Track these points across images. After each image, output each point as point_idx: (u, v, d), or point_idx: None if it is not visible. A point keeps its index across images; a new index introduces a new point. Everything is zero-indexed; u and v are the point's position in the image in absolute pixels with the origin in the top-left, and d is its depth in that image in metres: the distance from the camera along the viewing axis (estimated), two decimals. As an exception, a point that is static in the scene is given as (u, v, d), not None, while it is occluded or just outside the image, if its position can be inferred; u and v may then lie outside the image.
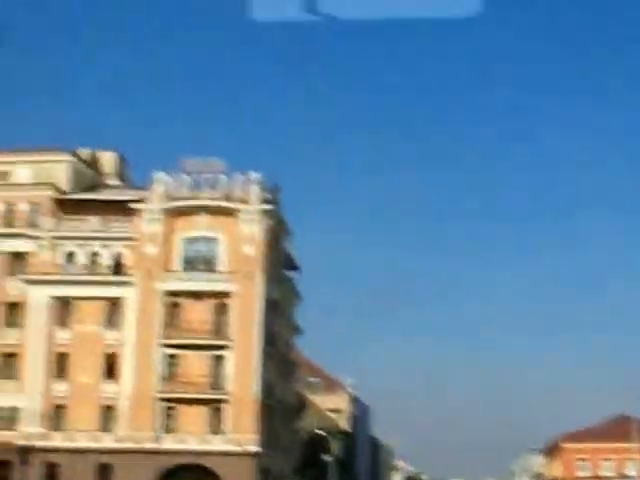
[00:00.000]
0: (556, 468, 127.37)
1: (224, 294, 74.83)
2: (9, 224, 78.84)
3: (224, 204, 75.80)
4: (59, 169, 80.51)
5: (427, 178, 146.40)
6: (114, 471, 73.14)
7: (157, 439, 73.45)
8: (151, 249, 75.87)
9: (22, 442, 73.59)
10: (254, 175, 76.45)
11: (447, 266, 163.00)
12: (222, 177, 76.46)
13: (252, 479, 72.31)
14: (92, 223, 77.56)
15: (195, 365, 74.12)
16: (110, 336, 75.56)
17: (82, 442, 73.78)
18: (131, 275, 75.87)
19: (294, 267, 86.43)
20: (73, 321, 76.23)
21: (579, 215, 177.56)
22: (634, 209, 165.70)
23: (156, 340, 74.39)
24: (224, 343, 74.01)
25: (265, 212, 75.79)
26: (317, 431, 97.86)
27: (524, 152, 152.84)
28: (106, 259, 77.04)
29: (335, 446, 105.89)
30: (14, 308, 77.14)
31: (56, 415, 74.90)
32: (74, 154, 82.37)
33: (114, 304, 75.96)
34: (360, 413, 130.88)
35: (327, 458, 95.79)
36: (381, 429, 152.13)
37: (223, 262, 75.81)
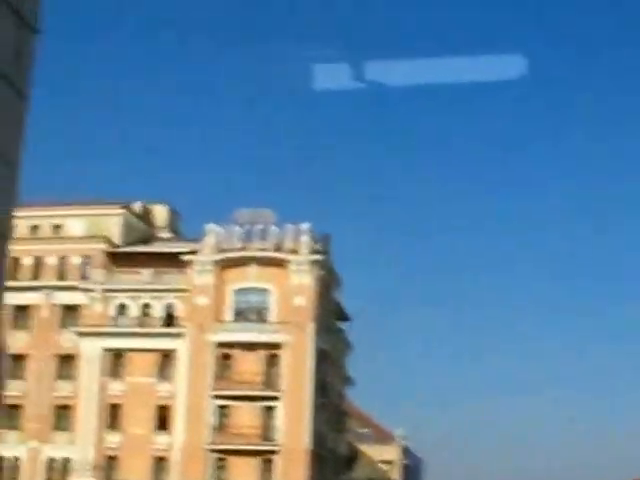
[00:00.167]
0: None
1: (275, 345, 74.96)
2: (62, 277, 79.73)
3: (274, 255, 76.19)
4: (111, 222, 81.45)
5: (476, 240, 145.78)
6: (166, 523, 73.09)
7: (209, 491, 73.42)
8: (202, 300, 76.31)
9: (75, 494, 73.87)
10: (304, 225, 76.83)
11: (498, 318, 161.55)
12: (273, 228, 76.93)
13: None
14: (144, 275, 78.27)
15: (246, 416, 74.14)
16: (162, 388, 75.91)
17: (134, 494, 73.93)
18: (183, 327, 76.32)
19: (345, 317, 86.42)
20: (125, 373, 76.70)
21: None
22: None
23: (207, 391, 74.58)
24: (275, 394, 74.02)
25: (315, 262, 76.02)
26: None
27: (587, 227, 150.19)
28: (158, 311, 77.61)
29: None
30: (67, 360, 77.81)
31: (108, 466, 75.17)
32: (126, 207, 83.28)
33: (166, 356, 76.39)
34: (412, 465, 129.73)
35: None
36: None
37: (274, 313, 76.05)
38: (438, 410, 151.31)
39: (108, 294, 77.80)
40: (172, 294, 77.61)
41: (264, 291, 76.60)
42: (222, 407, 74.73)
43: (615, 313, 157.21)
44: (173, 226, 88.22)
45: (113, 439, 75.57)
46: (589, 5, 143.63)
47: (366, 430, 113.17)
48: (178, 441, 74.53)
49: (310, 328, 75.00)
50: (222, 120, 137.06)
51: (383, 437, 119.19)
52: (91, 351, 76.58)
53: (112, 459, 75.29)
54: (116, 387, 76.39)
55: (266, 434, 73.76)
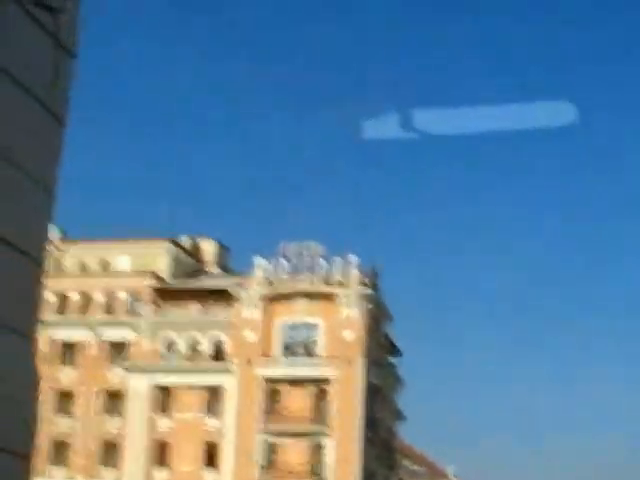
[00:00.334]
0: None
1: (324, 380, 73.88)
2: (110, 312, 79.43)
3: (323, 289, 75.28)
4: (159, 257, 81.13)
5: (529, 289, 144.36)
6: None
7: (258, 529, 72.30)
8: (250, 335, 75.53)
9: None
10: (353, 258, 75.93)
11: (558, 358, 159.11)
12: (321, 261, 76.08)
13: None
14: (192, 311, 77.72)
15: (295, 453, 73.00)
16: (210, 424, 75.05)
17: (182, 532, 72.98)
18: (231, 362, 75.51)
19: (395, 351, 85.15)
20: (173, 409, 75.97)
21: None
22: None
23: (256, 428, 73.59)
24: (324, 430, 72.84)
25: (364, 296, 74.99)
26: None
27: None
28: (206, 346, 76.94)
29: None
30: (115, 396, 77.27)
31: (156, 504, 74.33)
32: (174, 242, 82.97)
33: (214, 391, 75.58)
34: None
35: None
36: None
37: (322, 347, 75.04)
38: (492, 447, 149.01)
39: (156, 329, 77.30)
40: (220, 329, 76.93)
41: (312, 325, 75.66)
42: (271, 444, 73.66)
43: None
44: (221, 260, 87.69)
45: (161, 476, 74.74)
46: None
47: (418, 467, 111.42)
48: (226, 478, 73.53)
49: (359, 363, 73.86)
50: (269, 163, 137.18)
51: (435, 474, 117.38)
52: (139, 387, 76.01)
53: (160, 497, 74.46)
54: (164, 423, 75.66)
55: (315, 471, 72.55)
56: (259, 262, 77.23)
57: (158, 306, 78.54)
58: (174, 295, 78.89)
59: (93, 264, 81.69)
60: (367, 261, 77.09)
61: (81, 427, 76.91)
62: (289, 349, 75.63)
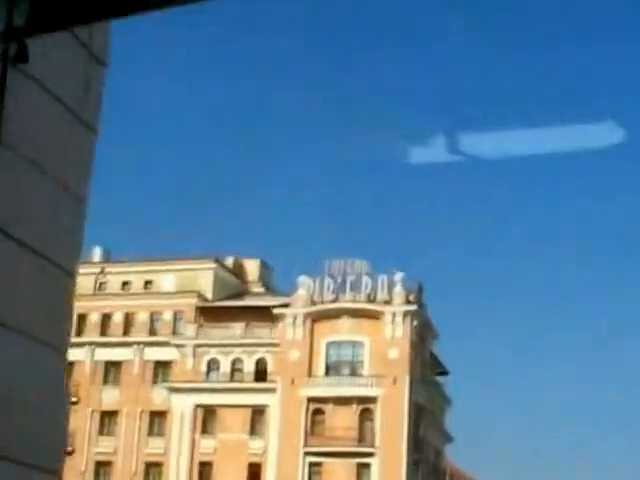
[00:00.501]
0: None
1: (369, 399, 72.55)
2: (153, 332, 78.90)
3: (367, 306, 74.10)
4: (203, 277, 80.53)
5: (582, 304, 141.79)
6: None
7: None
8: (294, 354, 74.48)
9: None
10: (398, 275, 74.69)
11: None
12: (365, 278, 74.93)
13: None
14: (235, 330, 76.93)
15: (339, 473, 71.62)
16: (253, 444, 73.99)
17: None
18: (274, 381, 74.49)
19: (442, 370, 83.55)
20: (217, 429, 75.07)
21: None
22: None
23: (299, 448, 72.37)
24: (369, 450, 71.41)
25: (410, 313, 73.66)
26: None
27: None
28: (249, 366, 76.03)
29: None
30: (158, 416, 76.62)
31: (199, 526, 73.33)
32: (218, 262, 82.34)
33: (257, 411, 74.61)
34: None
35: None
36: None
37: (367, 366, 73.77)
38: (541, 467, 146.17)
39: (199, 349, 76.59)
40: (263, 348, 76.04)
41: (357, 344, 74.45)
42: (315, 464, 72.40)
43: None
44: (265, 280, 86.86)
45: (204, 497, 73.79)
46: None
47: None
48: (270, 499, 72.38)
49: (405, 381, 72.44)
50: (313, 184, 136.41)
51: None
52: (182, 407, 75.23)
53: (203, 518, 73.47)
54: (207, 444, 74.73)
55: (360, 491, 71.12)
56: (303, 281, 76.31)
57: (201, 326, 77.87)
58: (218, 315, 78.17)
59: (137, 284, 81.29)
60: (412, 279, 75.92)
61: (123, 447, 76.20)
62: (333, 368, 74.47)
